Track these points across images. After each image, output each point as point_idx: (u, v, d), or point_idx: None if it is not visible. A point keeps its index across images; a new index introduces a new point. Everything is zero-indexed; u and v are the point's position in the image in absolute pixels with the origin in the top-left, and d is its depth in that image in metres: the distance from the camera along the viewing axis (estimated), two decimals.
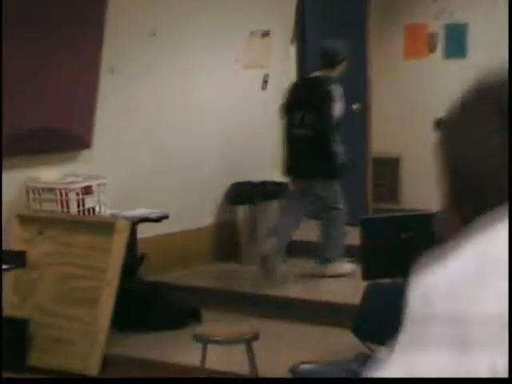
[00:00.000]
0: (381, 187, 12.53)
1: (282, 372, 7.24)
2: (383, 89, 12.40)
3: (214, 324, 8.60)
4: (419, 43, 12.24)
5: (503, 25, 11.27)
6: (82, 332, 8.34)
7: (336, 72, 10.18)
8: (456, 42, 11.96)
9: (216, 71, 10.86)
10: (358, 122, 12.33)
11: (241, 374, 7.56)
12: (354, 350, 6.98)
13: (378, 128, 12.47)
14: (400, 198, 12.46)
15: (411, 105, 12.09)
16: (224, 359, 8.14)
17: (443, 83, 11.48)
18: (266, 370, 7.80)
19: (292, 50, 12.00)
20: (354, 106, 12.14)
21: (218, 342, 7.66)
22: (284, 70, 11.80)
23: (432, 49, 12.16)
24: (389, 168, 12.54)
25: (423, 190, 11.22)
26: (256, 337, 7.44)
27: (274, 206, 11.04)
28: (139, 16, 10.11)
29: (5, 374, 7.64)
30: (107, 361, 8.31)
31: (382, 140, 12.36)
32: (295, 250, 10.68)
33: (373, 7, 12.47)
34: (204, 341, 7.45)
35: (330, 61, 10.08)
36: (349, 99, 11.82)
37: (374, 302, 7.04)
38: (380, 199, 12.36)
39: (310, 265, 10.73)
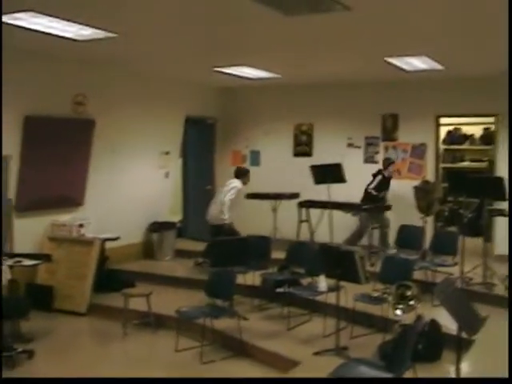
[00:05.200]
0: None
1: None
2: (223, 179, 12.04)
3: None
4: (238, 158, 12.85)
5: (278, 151, 12.34)
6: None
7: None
8: (255, 158, 12.72)
9: (146, 169, 11.11)
10: (210, 194, 12.26)
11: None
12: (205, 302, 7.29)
13: None
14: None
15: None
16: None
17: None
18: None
19: (180, 160, 12.46)
20: (208, 187, 12.61)
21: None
22: (176, 170, 12.26)
23: (244, 161, 12.71)
24: None
25: (241, 225, 12.31)
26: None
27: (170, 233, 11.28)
28: (107, 138, 10.07)
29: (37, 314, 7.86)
30: None
31: None
32: None
33: (217, 139, 12.91)
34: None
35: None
36: (206, 183, 12.85)
37: (217, 279, 7.35)
38: None
39: None
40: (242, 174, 10.11)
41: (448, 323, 6.09)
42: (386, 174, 10.68)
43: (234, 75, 10.60)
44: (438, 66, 9.40)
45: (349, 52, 8.56)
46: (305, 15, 6.34)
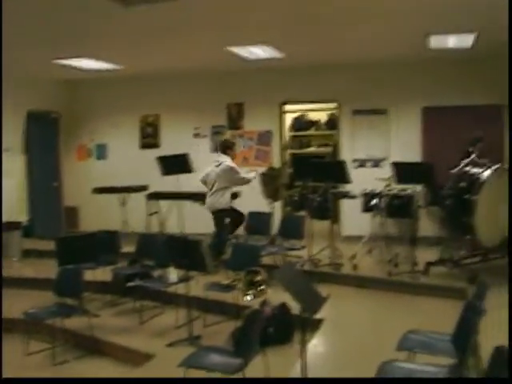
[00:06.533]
0: (71, 221, 12.64)
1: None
2: (69, 175, 12.70)
3: None
4: (84, 153, 12.73)
5: (124, 144, 12.29)
6: None
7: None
8: (102, 152, 12.57)
9: None
10: (57, 191, 12.63)
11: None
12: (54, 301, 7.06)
13: (69, 193, 12.72)
14: (79, 226, 12.66)
15: (82, 182, 12.29)
16: None
17: (96, 171, 12.31)
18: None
19: (22, 157, 11.88)
20: (55, 184, 12.49)
21: None
22: (19, 167, 11.80)
23: (90, 156, 12.66)
24: (74, 211, 12.72)
25: (90, 221, 12.17)
26: None
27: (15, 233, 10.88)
28: None
29: None
30: None
31: (70, 198, 12.64)
32: None
33: (62, 133, 12.62)
34: None
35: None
36: (52, 179, 12.53)
37: (64, 277, 7.19)
38: (69, 227, 12.47)
39: None
40: (228, 147, 9.30)
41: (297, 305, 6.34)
42: (476, 152, 8.83)
43: (77, 67, 10.37)
44: (278, 55, 9.62)
45: (190, 42, 8.60)
46: (143, 5, 6.33)
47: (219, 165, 9.16)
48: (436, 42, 8.84)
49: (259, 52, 9.42)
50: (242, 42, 8.72)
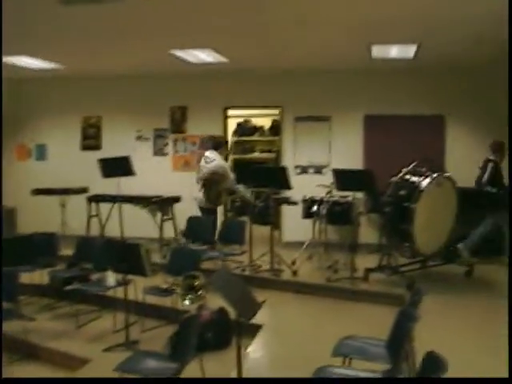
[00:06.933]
0: (9, 222, 11.70)
1: None
2: (8, 175, 12.23)
3: None
4: (23, 153, 12.45)
5: (65, 145, 12.04)
6: None
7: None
8: (41, 152, 12.32)
9: None
10: None
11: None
12: None
13: (7, 194, 11.87)
14: (17, 227, 12.22)
15: (21, 183, 11.94)
16: None
17: (35, 173, 12.07)
18: None
19: None
20: None
21: None
22: None
23: (30, 156, 12.40)
24: (12, 212, 12.31)
25: (29, 222, 11.93)
26: None
27: None
28: None
29: None
30: None
31: (8, 198, 11.92)
32: None
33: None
34: None
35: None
36: None
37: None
38: (7, 228, 11.30)
39: None
40: (220, 145, 9.66)
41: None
42: (499, 159, 8.96)
43: (17, 65, 10.17)
44: (222, 59, 9.63)
45: (133, 44, 8.55)
46: (82, 5, 6.26)
47: (211, 161, 9.43)
48: (378, 51, 8.96)
49: (203, 56, 9.40)
50: (186, 45, 8.70)
